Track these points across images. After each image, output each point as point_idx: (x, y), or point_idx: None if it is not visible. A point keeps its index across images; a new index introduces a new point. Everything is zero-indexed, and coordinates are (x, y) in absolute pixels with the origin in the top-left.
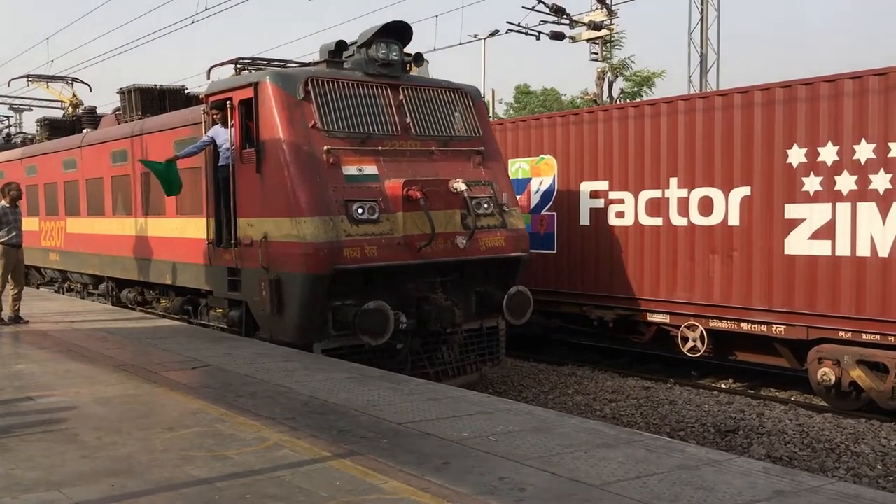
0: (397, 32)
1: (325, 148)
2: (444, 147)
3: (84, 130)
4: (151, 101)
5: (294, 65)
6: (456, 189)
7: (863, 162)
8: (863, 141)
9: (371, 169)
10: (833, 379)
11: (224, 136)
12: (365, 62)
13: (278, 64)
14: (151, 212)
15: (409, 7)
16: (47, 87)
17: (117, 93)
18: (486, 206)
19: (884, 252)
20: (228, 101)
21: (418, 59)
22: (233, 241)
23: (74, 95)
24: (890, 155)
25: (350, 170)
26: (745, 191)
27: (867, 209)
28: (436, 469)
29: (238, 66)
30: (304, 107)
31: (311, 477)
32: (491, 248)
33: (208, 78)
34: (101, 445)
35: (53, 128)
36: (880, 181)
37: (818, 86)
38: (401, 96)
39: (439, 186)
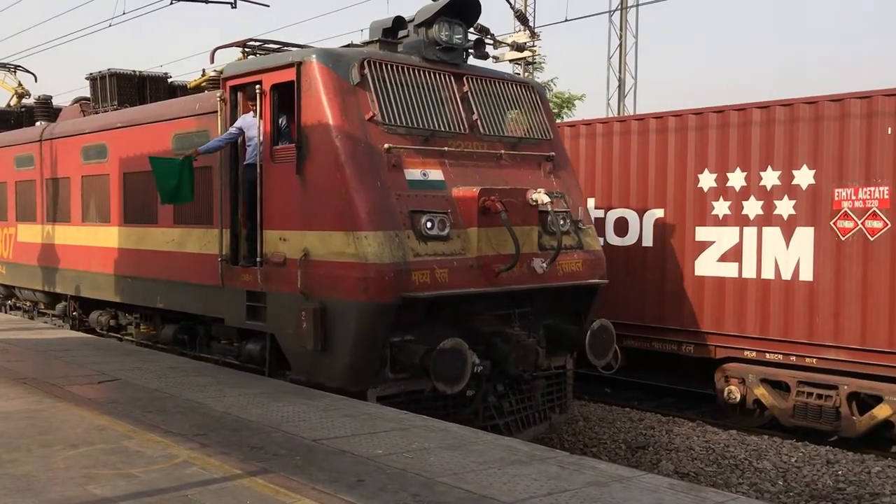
0: (462, 11)
1: (386, 146)
2: (512, 150)
3: (37, 123)
4: (130, 88)
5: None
6: (535, 201)
7: (769, 188)
8: (769, 168)
9: (436, 174)
10: (738, 397)
11: (255, 126)
12: (424, 45)
13: (292, 47)
14: (137, 220)
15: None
16: None
17: (87, 79)
18: (562, 222)
19: (787, 275)
20: (257, 86)
21: (479, 45)
22: (258, 259)
23: (20, 85)
24: (794, 182)
25: (413, 174)
26: (658, 213)
27: (772, 234)
28: (349, 486)
29: (246, 48)
30: (360, 95)
31: (220, 496)
32: (568, 274)
33: (212, 61)
34: None
35: None
36: (784, 207)
37: (728, 114)
38: (465, 88)
39: (516, 197)
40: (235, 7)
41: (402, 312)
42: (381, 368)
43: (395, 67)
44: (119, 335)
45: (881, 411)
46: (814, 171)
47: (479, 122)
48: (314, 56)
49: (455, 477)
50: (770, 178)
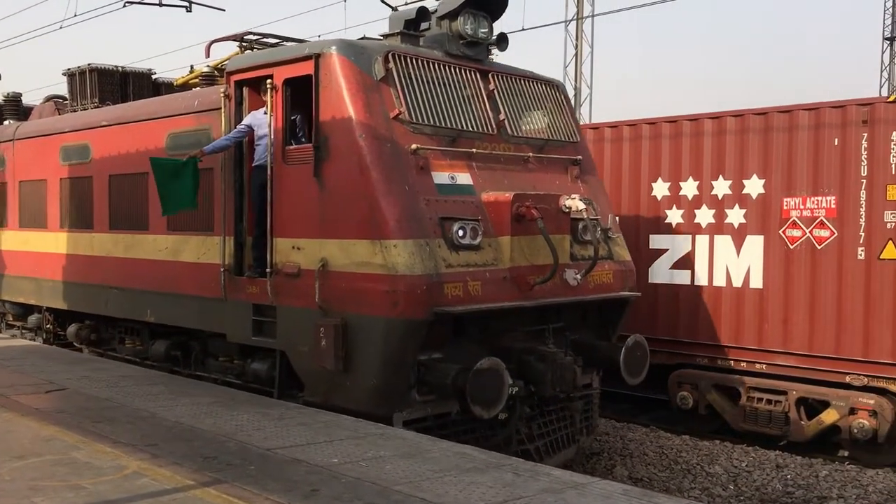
0: (486, 3)
1: (413, 147)
2: (539, 153)
3: (6, 122)
4: (111, 85)
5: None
6: (569, 208)
7: (720, 197)
8: (720, 177)
9: (465, 177)
10: (691, 402)
11: (266, 124)
12: (448, 38)
13: (292, 41)
14: (124, 226)
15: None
16: None
17: (65, 74)
18: (590, 230)
19: (737, 282)
20: (268, 81)
21: (503, 40)
22: (267, 270)
23: None
24: (744, 192)
25: (441, 177)
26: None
27: (723, 242)
28: (304, 496)
29: (244, 43)
30: (384, 90)
31: None
32: (600, 286)
33: (207, 55)
34: None
35: None
36: (735, 216)
37: (681, 124)
38: (491, 85)
39: (549, 204)
40: (190, 10)
41: (430, 329)
42: (409, 390)
43: (420, 62)
44: (100, 350)
45: (828, 416)
46: (763, 180)
47: (506, 122)
48: (334, 48)
49: (410, 485)
50: (721, 187)
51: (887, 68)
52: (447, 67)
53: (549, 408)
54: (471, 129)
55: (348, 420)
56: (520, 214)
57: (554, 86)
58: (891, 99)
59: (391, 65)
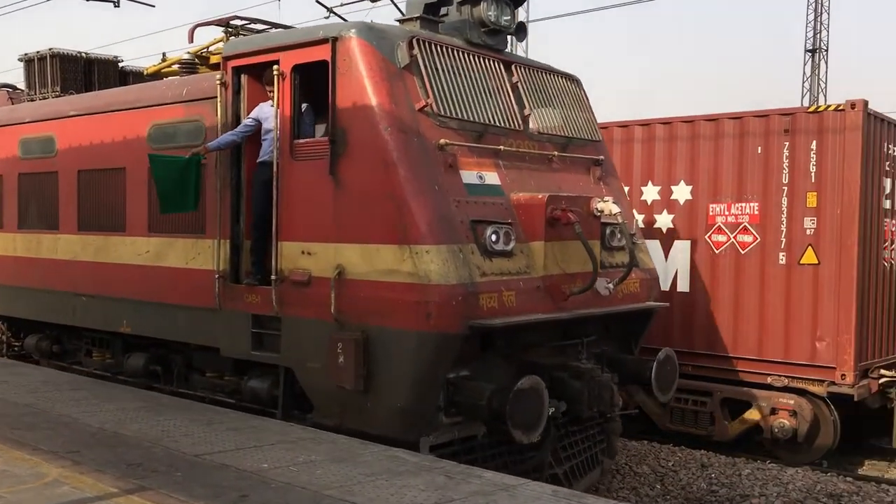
0: None
1: (441, 142)
2: (562, 152)
3: None
4: (75, 72)
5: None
6: (601, 211)
7: (649, 202)
8: (650, 183)
9: (492, 177)
10: (620, 403)
11: (274, 117)
12: (469, 25)
13: (282, 27)
14: (95, 227)
15: None
16: None
17: (21, 60)
18: (618, 236)
19: (665, 286)
20: (274, 67)
21: (521, 30)
22: (272, 277)
23: None
24: (672, 197)
25: (469, 176)
26: None
27: (653, 246)
28: (232, 502)
29: (229, 27)
30: (407, 80)
31: None
32: (628, 296)
33: (190, 41)
34: None
35: None
36: (664, 221)
37: (612, 130)
38: (515, 77)
39: (581, 206)
40: (118, 6)
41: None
42: (436, 412)
43: (445, 49)
44: (63, 364)
45: (751, 415)
46: (691, 186)
47: (531, 118)
48: (354, 30)
49: (342, 489)
50: (651, 192)
51: (808, 79)
52: (472, 56)
53: (576, 429)
54: (498, 124)
55: (278, 424)
56: (554, 218)
57: (573, 80)
58: (811, 109)
59: (416, 51)
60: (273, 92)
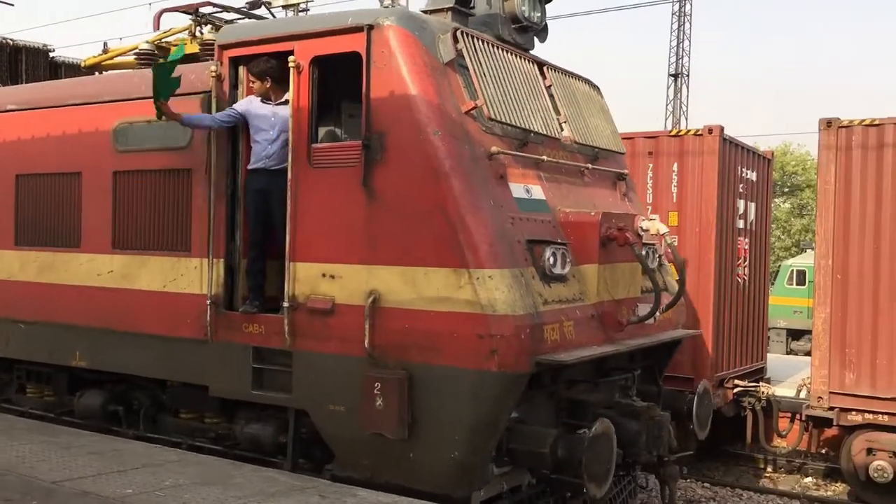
0: None
1: (493, 149)
2: (592, 164)
3: None
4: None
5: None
6: (646, 230)
7: None
8: None
9: (537, 190)
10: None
11: (267, 116)
12: (500, 20)
13: (255, 17)
14: (40, 241)
15: None
16: None
17: None
18: (652, 257)
19: None
20: (289, 57)
21: (545, 30)
22: (285, 304)
23: None
24: None
25: (518, 189)
26: None
27: None
28: None
29: (198, 15)
30: (451, 78)
31: None
32: (663, 322)
33: (156, 28)
34: None
35: None
36: None
37: None
38: (548, 80)
39: (627, 224)
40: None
41: None
42: (488, 462)
43: (487, 45)
44: None
45: None
46: None
47: (567, 125)
48: (393, 18)
49: None
50: None
51: (671, 102)
52: (511, 55)
53: (622, 473)
54: (541, 131)
55: (143, 447)
56: (609, 238)
57: (595, 87)
58: (672, 133)
59: (461, 45)
60: (256, 85)
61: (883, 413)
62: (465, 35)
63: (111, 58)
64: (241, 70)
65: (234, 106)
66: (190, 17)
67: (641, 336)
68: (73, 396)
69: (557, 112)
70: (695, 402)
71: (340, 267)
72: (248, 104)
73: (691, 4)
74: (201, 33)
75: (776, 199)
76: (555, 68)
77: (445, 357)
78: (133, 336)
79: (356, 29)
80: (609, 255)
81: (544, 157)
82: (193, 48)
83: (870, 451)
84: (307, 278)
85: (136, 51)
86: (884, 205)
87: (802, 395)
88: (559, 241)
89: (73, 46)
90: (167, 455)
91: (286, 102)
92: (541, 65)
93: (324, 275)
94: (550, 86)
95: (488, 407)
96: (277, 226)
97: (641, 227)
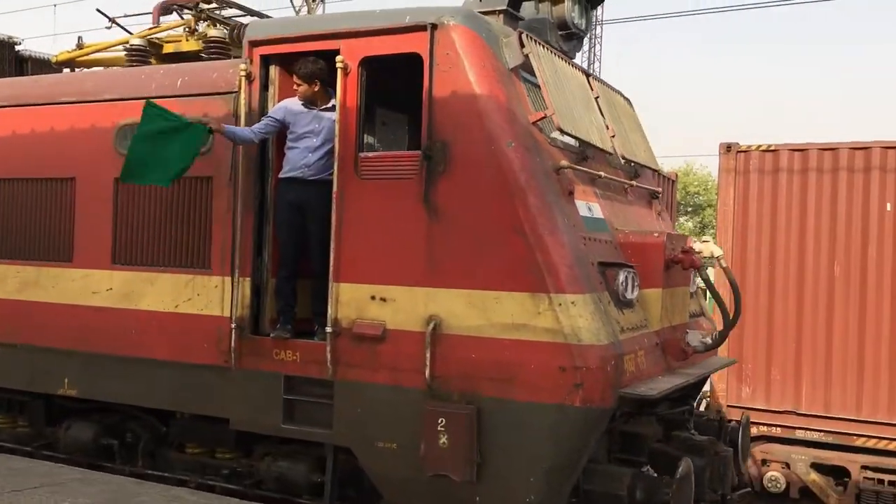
0: None
1: (562, 163)
2: (633, 181)
3: None
4: None
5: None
6: (699, 252)
7: None
8: None
9: (596, 209)
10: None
11: (311, 122)
12: (548, 27)
13: (255, 14)
14: (22, 253)
15: None
16: None
17: None
18: (695, 280)
19: None
20: (336, 58)
21: (581, 41)
22: (328, 329)
23: None
24: None
25: (582, 207)
26: None
27: None
28: None
29: (198, 10)
30: (517, 85)
31: None
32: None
33: (156, 22)
34: None
35: None
36: None
37: None
38: (594, 91)
39: (682, 246)
40: None
41: None
42: None
43: (549, 51)
44: None
45: None
46: None
47: (616, 139)
48: (459, 17)
49: None
50: None
51: None
52: (567, 63)
53: None
54: (598, 145)
55: (43, 465)
56: (674, 261)
57: (628, 100)
58: None
59: (528, 50)
60: (303, 88)
61: (776, 426)
62: (531, 39)
63: (86, 54)
64: (273, 69)
65: (272, 114)
66: (190, 12)
67: (693, 364)
68: (53, 427)
69: (607, 125)
70: (739, 433)
71: (393, 289)
72: (288, 109)
73: (602, 27)
74: (197, 29)
75: (680, 218)
76: (596, 78)
77: (521, 390)
78: (135, 362)
79: (416, 28)
80: (672, 278)
81: (602, 174)
82: (191, 45)
83: (764, 462)
84: (353, 301)
85: (127, 46)
86: (778, 225)
87: (702, 408)
88: (628, 263)
89: (36, 38)
90: (69, 473)
91: (332, 108)
92: (586, 74)
93: (373, 297)
94: (598, 97)
95: (569, 446)
96: (313, 241)
97: (695, 248)
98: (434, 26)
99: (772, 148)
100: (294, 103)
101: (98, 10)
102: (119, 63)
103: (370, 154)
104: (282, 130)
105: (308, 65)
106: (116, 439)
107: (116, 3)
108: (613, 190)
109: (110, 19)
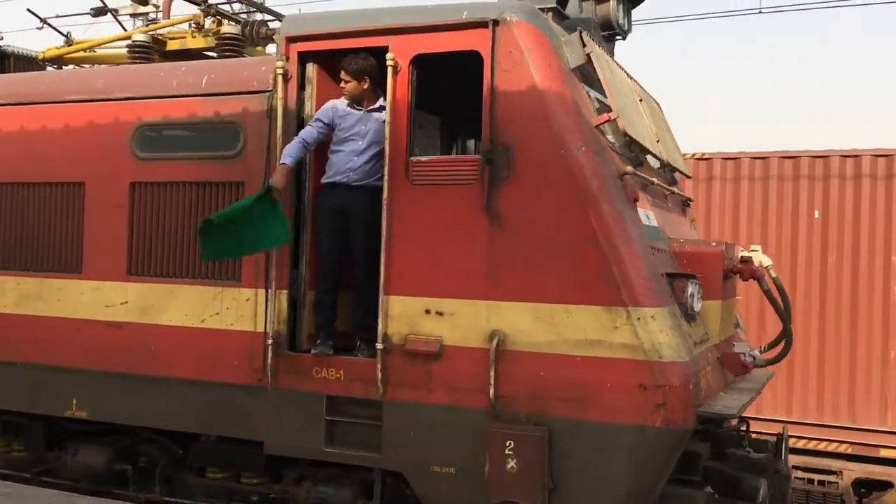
0: None
1: (627, 170)
2: (670, 187)
3: None
4: None
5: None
6: (748, 262)
7: None
8: None
9: (651, 216)
10: None
11: (358, 124)
12: (592, 26)
13: (268, 13)
14: (24, 264)
15: None
16: None
17: None
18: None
19: None
20: (387, 55)
21: (614, 42)
22: (379, 345)
23: None
24: None
25: (642, 215)
26: None
27: None
28: None
29: (207, 5)
30: (579, 87)
31: None
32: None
33: (167, 16)
34: None
35: None
36: None
37: None
38: (637, 94)
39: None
40: None
41: None
42: None
43: (604, 51)
44: None
45: None
46: None
47: (660, 143)
48: (523, 14)
49: None
50: None
51: None
52: (619, 65)
53: None
54: (651, 150)
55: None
56: (733, 271)
57: (658, 103)
58: None
59: (590, 50)
60: (351, 86)
61: None
62: (592, 39)
63: (76, 51)
64: (311, 67)
65: (318, 116)
66: (199, 6)
67: (745, 378)
68: (53, 452)
69: (652, 129)
70: (783, 447)
71: (450, 302)
72: (334, 110)
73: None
74: (203, 26)
75: None
76: (635, 80)
77: (596, 411)
78: (154, 381)
79: (476, 24)
80: (729, 290)
81: (654, 180)
82: (197, 42)
83: None
84: (405, 315)
85: (130, 42)
86: (740, 229)
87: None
88: (693, 274)
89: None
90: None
91: (379, 109)
92: (628, 76)
93: (427, 311)
94: (641, 100)
95: (650, 469)
96: (358, 250)
97: (752, 259)
98: (496, 22)
99: (733, 156)
100: (340, 103)
101: (29, 10)
102: (115, 59)
103: (423, 158)
104: (329, 134)
105: (359, 60)
106: (130, 464)
107: (47, 4)
108: (659, 197)
109: (42, 20)
